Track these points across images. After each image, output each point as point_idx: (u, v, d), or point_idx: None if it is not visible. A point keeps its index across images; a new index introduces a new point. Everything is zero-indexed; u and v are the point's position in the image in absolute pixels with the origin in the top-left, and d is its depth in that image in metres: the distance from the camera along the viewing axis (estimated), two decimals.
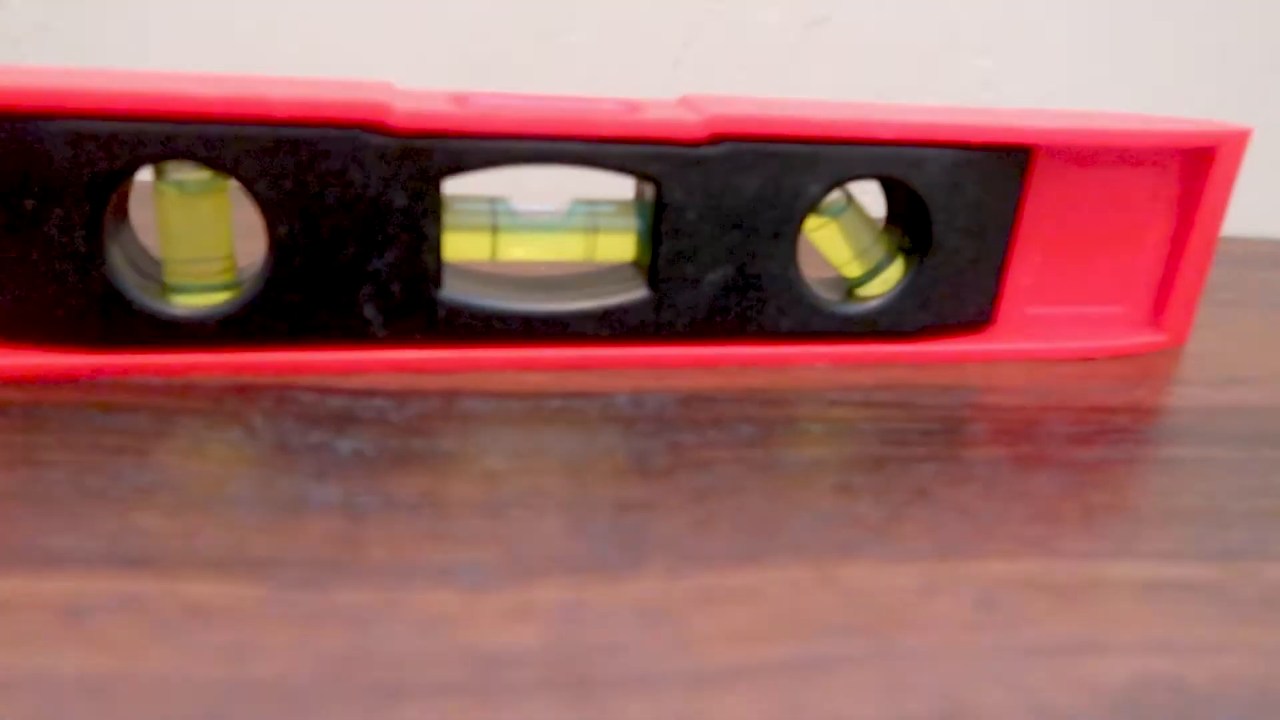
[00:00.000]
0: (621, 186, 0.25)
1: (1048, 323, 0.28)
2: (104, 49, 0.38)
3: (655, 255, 0.24)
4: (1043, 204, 0.26)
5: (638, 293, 0.24)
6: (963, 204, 0.25)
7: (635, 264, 0.25)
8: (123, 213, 0.23)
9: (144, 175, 0.22)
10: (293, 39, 0.38)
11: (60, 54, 0.38)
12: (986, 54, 0.42)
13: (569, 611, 0.16)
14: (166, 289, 0.23)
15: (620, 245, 0.24)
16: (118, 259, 0.22)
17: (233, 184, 0.22)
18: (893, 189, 0.26)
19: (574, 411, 0.22)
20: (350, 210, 0.22)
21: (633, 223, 0.24)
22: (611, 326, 0.24)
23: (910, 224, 0.26)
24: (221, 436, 0.20)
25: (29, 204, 0.20)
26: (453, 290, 0.23)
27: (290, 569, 0.16)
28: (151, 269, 0.23)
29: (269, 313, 0.22)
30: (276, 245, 0.22)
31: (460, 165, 0.22)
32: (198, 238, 0.22)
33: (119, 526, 0.17)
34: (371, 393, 0.22)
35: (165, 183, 0.22)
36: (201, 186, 0.22)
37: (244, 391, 0.22)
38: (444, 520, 0.18)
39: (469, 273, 0.24)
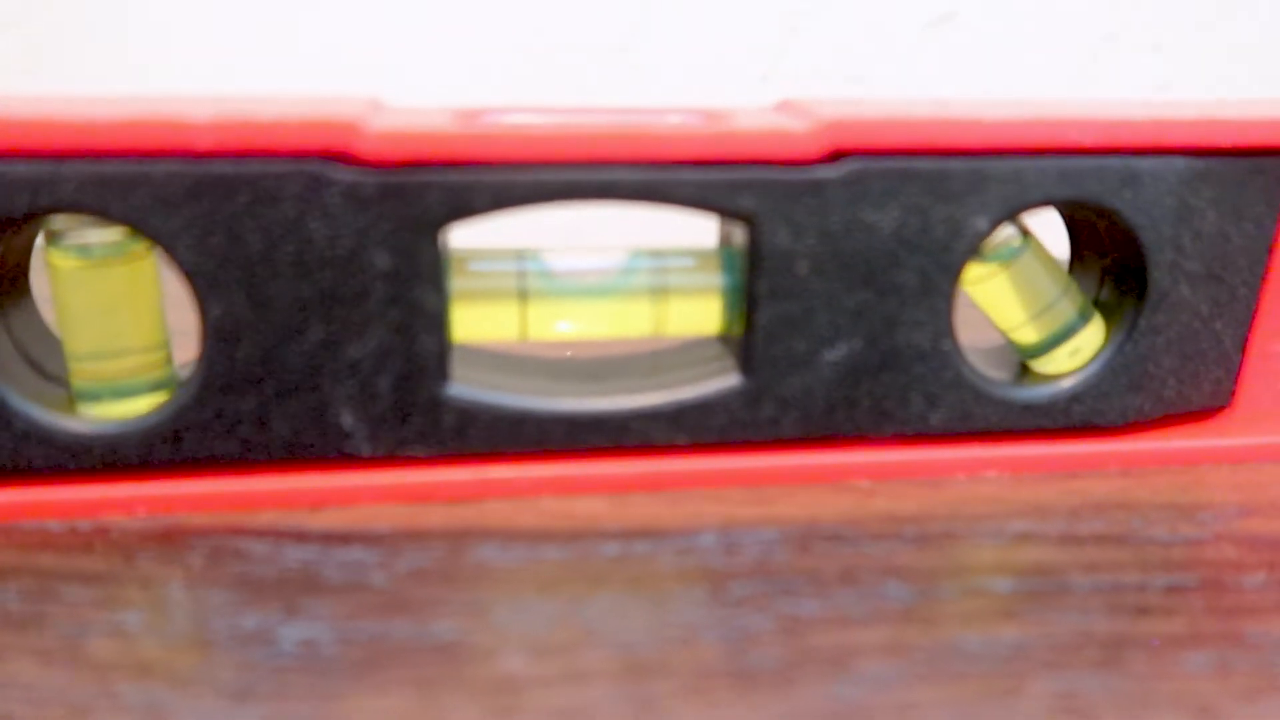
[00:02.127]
0: (701, 229, 0.18)
1: None
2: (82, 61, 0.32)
3: (751, 326, 0.16)
4: None
5: (726, 380, 0.17)
6: (1196, 237, 0.17)
7: (722, 339, 0.18)
8: (12, 289, 0.17)
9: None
10: (287, 49, 0.32)
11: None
12: (1156, 50, 0.34)
13: None
14: (73, 396, 0.16)
15: (700, 313, 0.17)
16: (2, 356, 0.16)
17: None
18: (1085, 220, 0.18)
19: (637, 563, 0.15)
20: (313, 278, 0.15)
21: (717, 280, 0.17)
22: (691, 429, 0.17)
23: (1115, 268, 0.18)
24: (112, 625, 0.13)
25: None
26: (465, 385, 0.16)
27: None
28: (60, 369, 0.17)
29: (208, 426, 0.16)
30: (212, 330, 0.15)
31: (466, 207, 0.15)
32: (110, 323, 0.16)
33: None
34: (350, 538, 0.16)
35: (60, 248, 0.15)
36: (112, 252, 0.16)
37: (170, 539, 0.15)
38: None
39: (488, 359, 0.18)
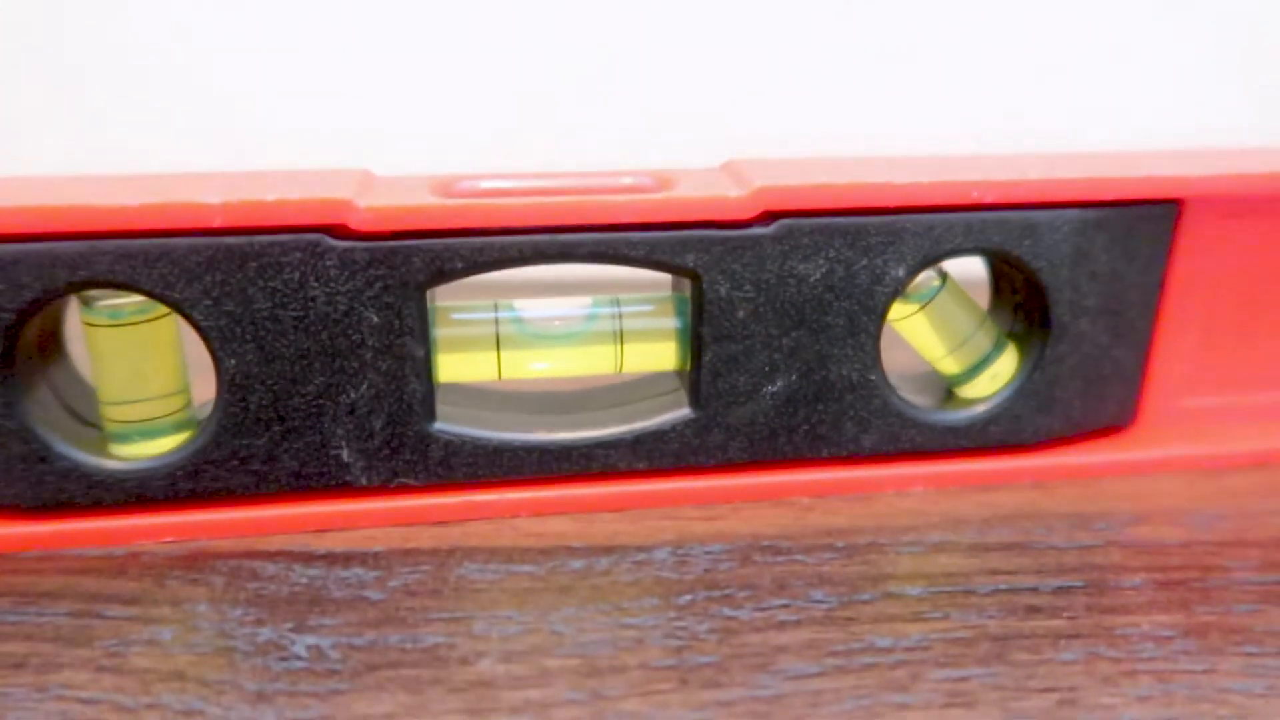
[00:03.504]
0: (657, 276, 0.20)
1: (1208, 418, 0.22)
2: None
3: (699, 365, 0.19)
4: (1196, 268, 0.20)
5: (679, 412, 0.19)
6: (1091, 277, 0.19)
7: (676, 375, 0.20)
8: (52, 349, 0.19)
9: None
10: (270, 122, 0.34)
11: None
12: (1082, 85, 0.36)
13: None
14: (106, 437, 0.19)
15: (655, 353, 0.20)
16: (45, 407, 0.18)
17: None
18: (999, 263, 0.21)
19: (599, 575, 0.17)
20: (314, 334, 0.17)
21: (670, 324, 0.19)
22: (648, 456, 0.19)
23: (1025, 303, 0.20)
24: (149, 638, 0.16)
25: None
26: (449, 421, 0.19)
27: None
28: (95, 414, 0.19)
29: (224, 463, 0.18)
30: (227, 381, 0.18)
31: (445, 270, 0.17)
32: (138, 375, 0.18)
33: None
34: (350, 558, 0.18)
35: (93, 312, 0.18)
36: (138, 313, 0.18)
37: (195, 562, 0.18)
38: None
39: (469, 397, 0.20)
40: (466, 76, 0.35)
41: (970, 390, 0.21)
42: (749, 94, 0.35)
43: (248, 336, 0.17)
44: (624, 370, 0.20)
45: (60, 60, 0.34)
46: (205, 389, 0.18)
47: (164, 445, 0.18)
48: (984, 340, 0.20)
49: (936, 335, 0.20)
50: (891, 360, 0.20)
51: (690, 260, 0.18)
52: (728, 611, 0.16)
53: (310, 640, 0.16)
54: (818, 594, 0.17)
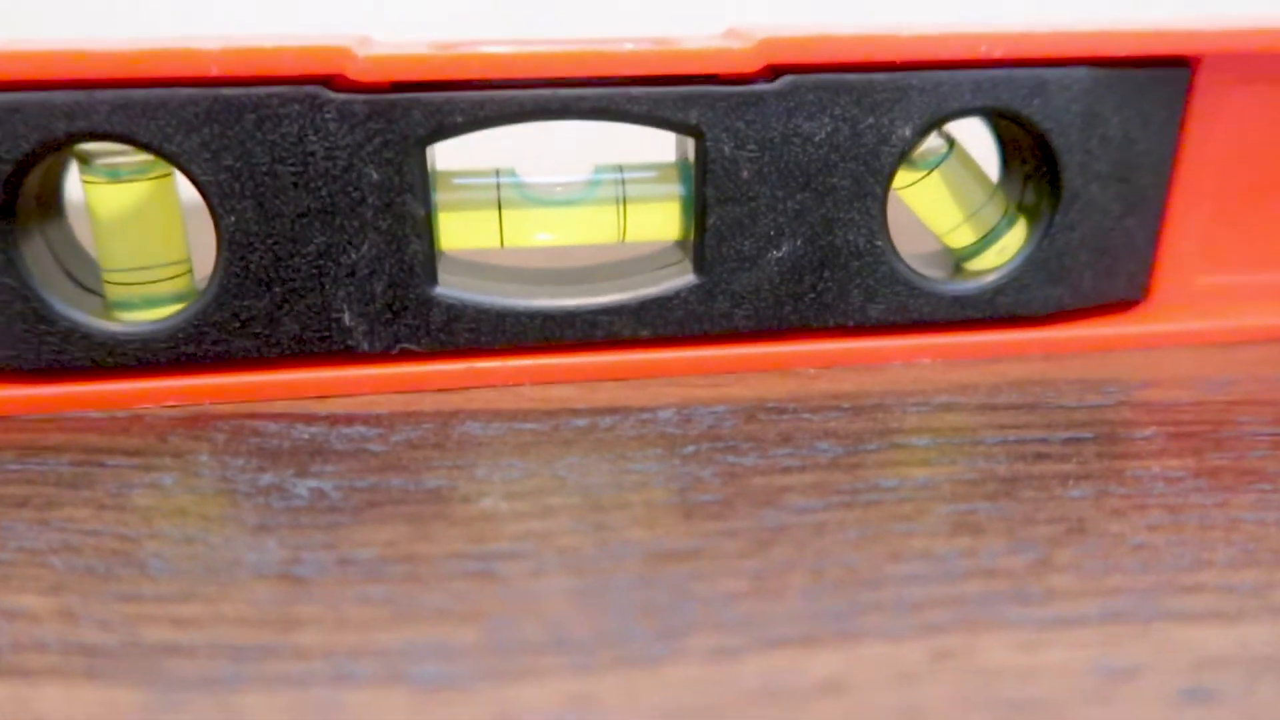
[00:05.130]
0: (662, 145, 0.20)
1: (1221, 295, 0.21)
2: None
3: (702, 230, 0.19)
4: (1210, 138, 0.20)
5: (683, 279, 0.19)
6: (1102, 141, 0.19)
7: (679, 243, 0.20)
8: (50, 210, 0.19)
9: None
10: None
11: None
12: None
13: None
14: (109, 305, 0.19)
15: (658, 220, 0.19)
16: (45, 269, 0.18)
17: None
18: (1009, 128, 0.20)
19: (602, 432, 0.17)
20: (313, 190, 0.17)
21: (673, 190, 0.19)
22: (652, 323, 0.19)
23: (1035, 173, 0.20)
24: (151, 482, 0.16)
25: None
26: (451, 286, 0.19)
27: (191, 661, 0.12)
28: (95, 281, 0.19)
29: (225, 325, 0.18)
30: (226, 240, 0.17)
31: (446, 125, 0.17)
32: (138, 237, 0.18)
33: None
34: (352, 419, 0.18)
35: (92, 171, 0.18)
36: (137, 172, 0.18)
37: (196, 423, 0.18)
38: (411, 586, 0.13)
39: (471, 264, 0.20)
40: None
41: (979, 263, 0.21)
42: None
43: (247, 193, 0.17)
44: (627, 238, 0.19)
45: None
46: (208, 265, 0.18)
47: (165, 314, 0.18)
48: (993, 212, 0.20)
49: (945, 204, 0.20)
50: (901, 242, 0.19)
51: (693, 117, 0.18)
52: (732, 459, 0.16)
53: (312, 483, 0.16)
54: (823, 445, 0.17)
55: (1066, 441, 0.17)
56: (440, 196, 0.18)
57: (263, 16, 0.35)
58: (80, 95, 0.16)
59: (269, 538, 0.14)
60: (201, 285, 0.19)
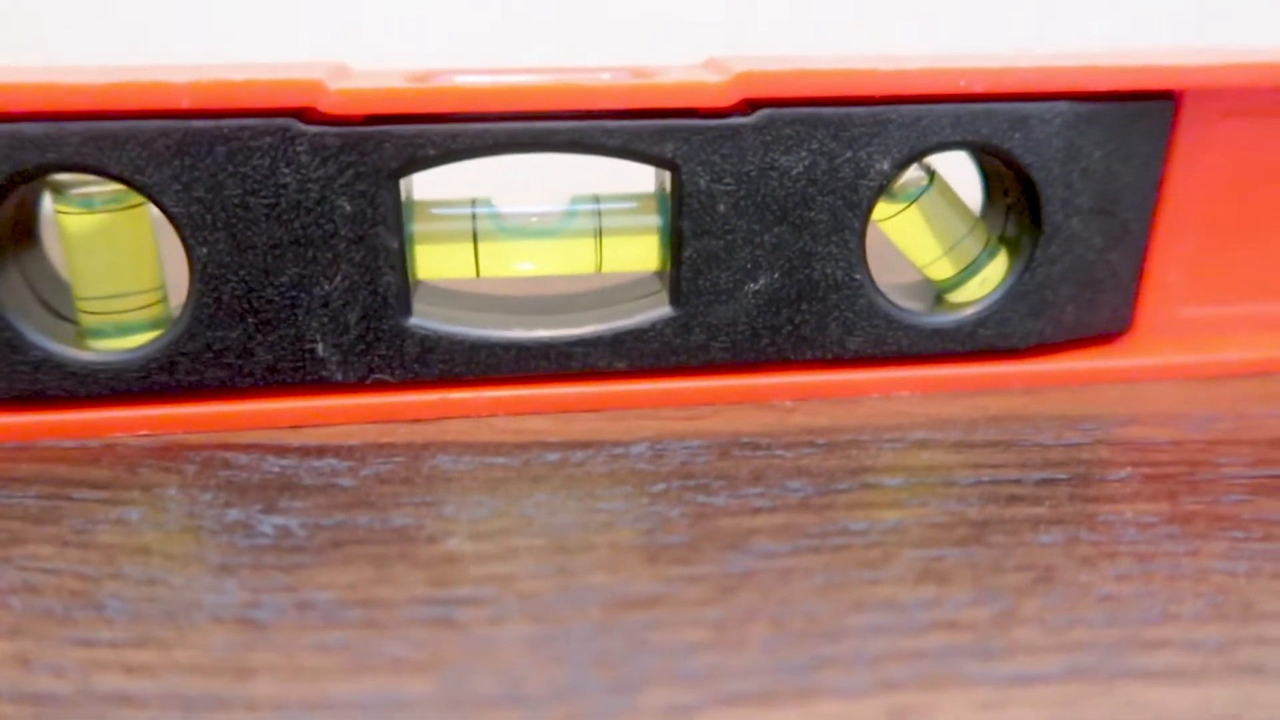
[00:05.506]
0: (641, 175, 0.20)
1: (1205, 327, 0.21)
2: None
3: (679, 263, 0.18)
4: (1195, 171, 0.20)
5: (659, 311, 0.19)
6: (1084, 174, 0.19)
7: (656, 274, 0.20)
8: (25, 238, 0.19)
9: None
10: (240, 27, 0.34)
11: None
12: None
13: None
14: (83, 333, 0.18)
15: (635, 251, 0.19)
16: (19, 297, 0.18)
17: None
18: (991, 160, 0.20)
19: (573, 467, 0.17)
20: (285, 222, 0.17)
21: (651, 222, 0.19)
22: (628, 355, 0.19)
23: (1017, 205, 0.20)
24: (117, 517, 0.16)
25: None
26: (426, 317, 0.18)
27: (141, 712, 0.12)
28: (71, 309, 0.19)
29: (199, 355, 0.18)
30: (199, 271, 0.17)
31: (418, 157, 0.17)
32: (112, 266, 0.18)
33: None
34: (324, 450, 0.18)
35: (65, 200, 0.18)
36: (111, 202, 0.18)
37: (168, 453, 0.18)
38: (368, 633, 0.13)
39: (447, 294, 0.20)
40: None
41: (960, 295, 0.20)
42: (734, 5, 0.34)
43: (219, 224, 0.17)
44: (604, 269, 0.19)
45: None
46: (182, 294, 0.18)
47: (140, 343, 0.18)
48: (974, 244, 0.20)
49: (925, 236, 0.20)
50: (880, 272, 0.19)
51: (669, 150, 0.18)
52: (701, 499, 0.16)
53: (278, 520, 0.15)
54: (794, 484, 0.16)
55: (1040, 483, 0.16)
56: (416, 227, 0.18)
57: (253, 40, 0.35)
58: (50, 127, 0.16)
59: (230, 579, 0.14)
60: (178, 310, 0.19)
